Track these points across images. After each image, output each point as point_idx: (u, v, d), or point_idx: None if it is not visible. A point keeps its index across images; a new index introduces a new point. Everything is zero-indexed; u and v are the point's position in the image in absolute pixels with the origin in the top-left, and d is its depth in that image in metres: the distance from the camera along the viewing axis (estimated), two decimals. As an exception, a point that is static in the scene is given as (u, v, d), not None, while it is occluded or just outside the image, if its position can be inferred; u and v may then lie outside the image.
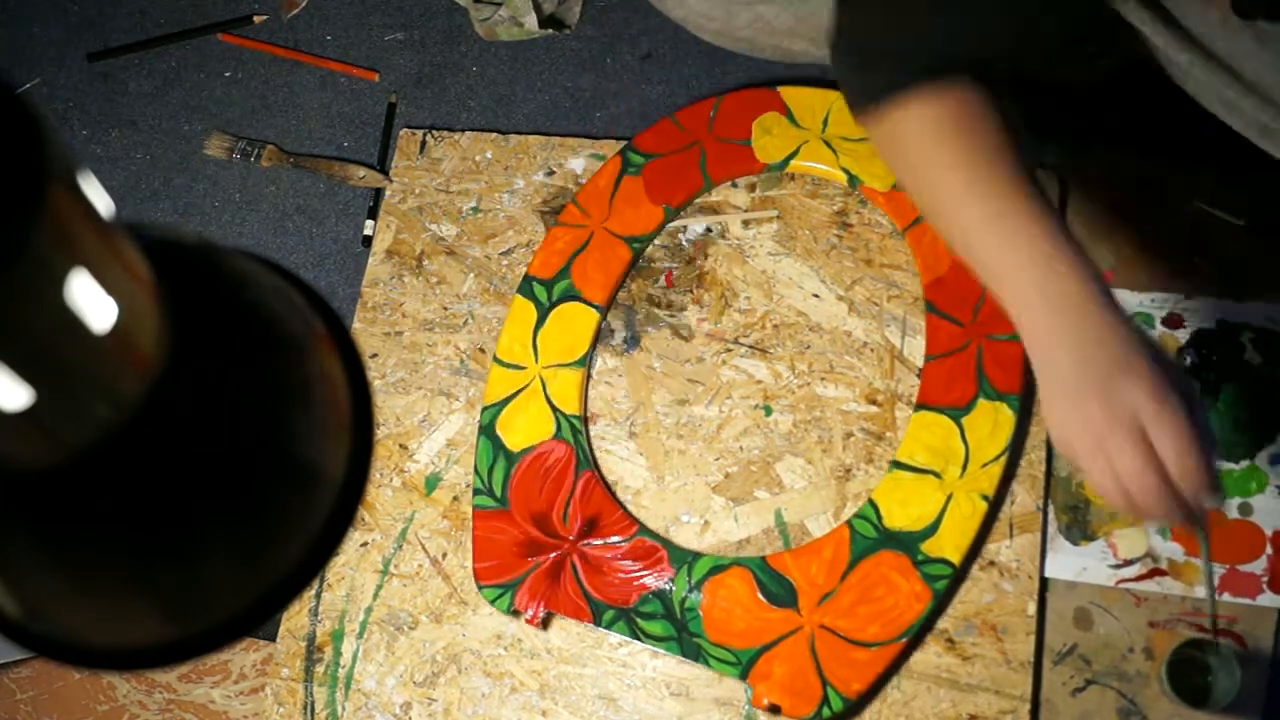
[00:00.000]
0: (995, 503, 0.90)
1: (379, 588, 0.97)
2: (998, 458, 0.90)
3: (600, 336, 1.00)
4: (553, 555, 0.92)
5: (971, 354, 0.93)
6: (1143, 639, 0.88)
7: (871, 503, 0.90)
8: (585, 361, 0.99)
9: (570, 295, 1.00)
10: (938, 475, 0.90)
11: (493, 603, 0.92)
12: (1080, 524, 0.90)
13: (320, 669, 0.96)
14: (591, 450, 0.97)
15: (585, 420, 0.98)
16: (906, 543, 0.88)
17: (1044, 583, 0.90)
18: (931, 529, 0.88)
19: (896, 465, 0.91)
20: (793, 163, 1.02)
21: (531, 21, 1.13)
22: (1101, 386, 0.66)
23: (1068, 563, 0.89)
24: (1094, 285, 0.68)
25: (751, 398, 0.97)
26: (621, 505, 0.94)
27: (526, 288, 1.01)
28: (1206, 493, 0.66)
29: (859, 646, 0.87)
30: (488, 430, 0.97)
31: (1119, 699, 0.87)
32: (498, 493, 0.95)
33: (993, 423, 0.91)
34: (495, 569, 0.93)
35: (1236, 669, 0.82)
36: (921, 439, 0.91)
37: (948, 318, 0.94)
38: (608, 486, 0.95)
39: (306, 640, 0.97)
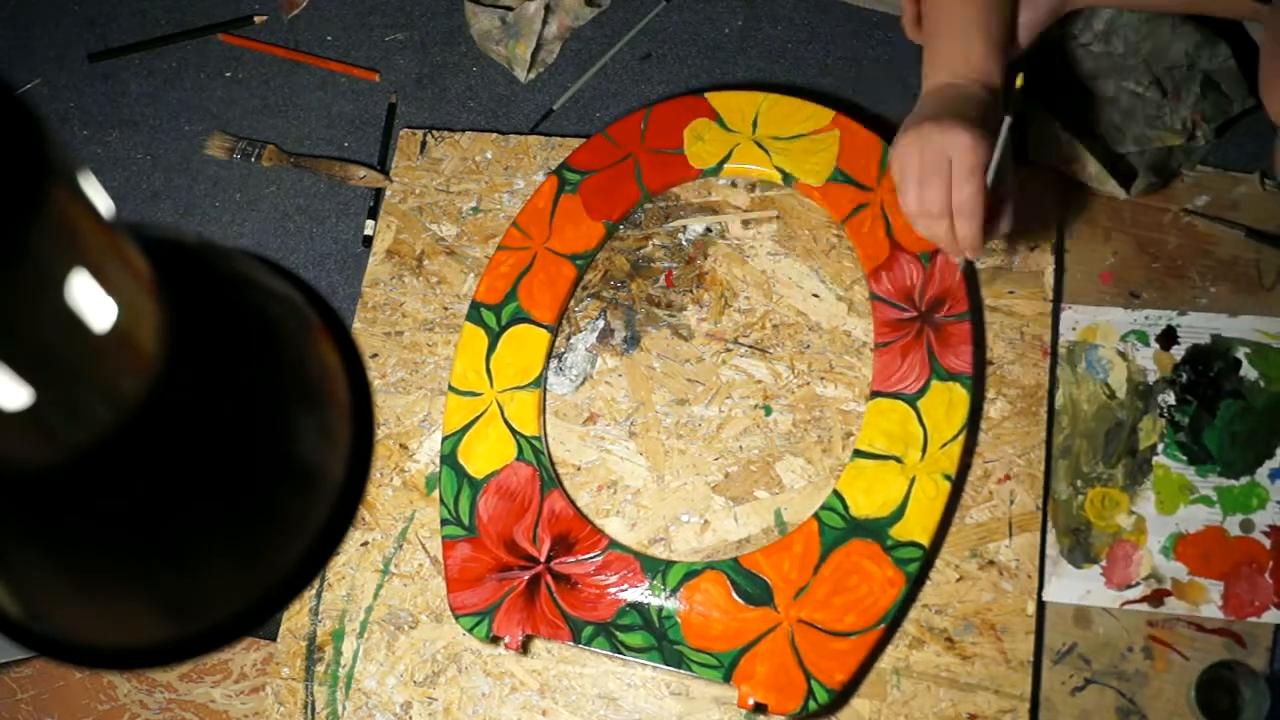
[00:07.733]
0: (958, 481, 0.91)
1: (379, 587, 0.97)
2: (956, 437, 0.90)
3: (551, 353, 1.00)
4: (526, 578, 0.92)
5: (920, 338, 0.93)
6: (1141, 638, 0.88)
7: (837, 493, 0.90)
8: (540, 382, 0.99)
9: (519, 318, 1.00)
10: (899, 460, 0.90)
11: (470, 631, 0.91)
12: (1083, 546, 0.90)
13: (321, 668, 0.96)
14: (555, 469, 0.96)
15: (546, 440, 0.97)
16: (875, 530, 0.89)
17: (1043, 582, 0.90)
18: (898, 514, 0.89)
19: (858, 454, 0.91)
20: (726, 166, 1.02)
21: (521, 73, 1.13)
22: (927, 135, 0.83)
23: (1071, 587, 0.89)
24: (977, 87, 0.88)
25: (751, 398, 0.97)
26: (589, 520, 0.94)
27: (475, 314, 1.01)
28: (971, 247, 0.85)
29: (838, 637, 0.87)
30: (450, 460, 0.96)
31: (1118, 698, 0.87)
32: (465, 521, 0.94)
33: (947, 403, 0.91)
34: (470, 597, 0.92)
35: (1267, 691, 0.82)
36: (879, 426, 0.92)
37: (893, 304, 0.95)
38: (574, 503, 0.95)
39: (307, 640, 0.97)
